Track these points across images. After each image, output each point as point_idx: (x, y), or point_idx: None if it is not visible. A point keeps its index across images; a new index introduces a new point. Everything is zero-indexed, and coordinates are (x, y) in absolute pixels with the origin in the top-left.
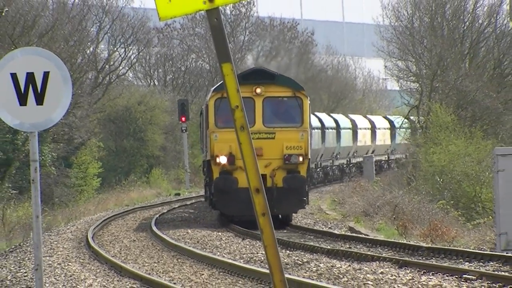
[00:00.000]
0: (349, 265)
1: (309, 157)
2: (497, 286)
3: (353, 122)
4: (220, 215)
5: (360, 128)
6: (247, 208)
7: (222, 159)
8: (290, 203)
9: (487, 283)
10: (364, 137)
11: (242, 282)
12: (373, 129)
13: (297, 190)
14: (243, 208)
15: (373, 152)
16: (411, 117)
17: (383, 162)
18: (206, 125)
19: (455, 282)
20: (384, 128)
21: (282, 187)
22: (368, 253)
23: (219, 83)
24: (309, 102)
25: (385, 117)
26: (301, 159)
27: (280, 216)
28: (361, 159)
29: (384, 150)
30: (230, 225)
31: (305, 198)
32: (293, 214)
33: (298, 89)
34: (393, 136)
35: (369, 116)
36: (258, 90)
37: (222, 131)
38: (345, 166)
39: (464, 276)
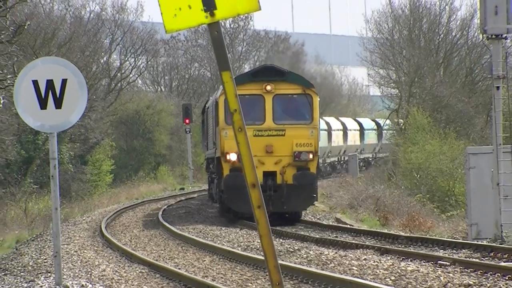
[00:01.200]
0: (336, 252)
1: (319, 154)
2: (469, 271)
3: (328, 124)
4: (227, 212)
5: (334, 130)
6: None
7: (233, 156)
8: (300, 200)
9: (460, 268)
10: (337, 138)
11: (240, 267)
12: (344, 130)
13: (307, 187)
14: None
15: (344, 152)
16: (377, 119)
17: None
18: (215, 122)
19: (431, 268)
20: (354, 130)
21: (292, 184)
22: (353, 241)
23: None
24: (318, 99)
25: (355, 119)
26: (311, 156)
27: (287, 215)
28: (334, 158)
29: (354, 150)
30: (229, 217)
31: (315, 195)
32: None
33: (308, 86)
34: (362, 137)
35: (341, 118)
36: (268, 87)
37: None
38: (320, 165)
39: (439, 262)
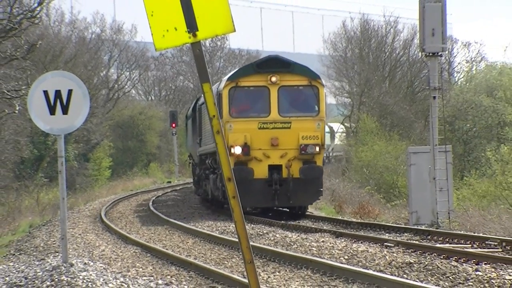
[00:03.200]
0: (298, 235)
1: (325, 147)
2: (410, 251)
3: None
4: (221, 208)
5: None
6: (263, 199)
7: (237, 150)
8: (307, 194)
9: (402, 249)
10: None
11: (218, 248)
12: None
13: (314, 181)
14: (259, 198)
15: None
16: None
17: None
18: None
19: (378, 248)
20: None
21: (299, 178)
22: (312, 226)
23: (232, 72)
24: (325, 91)
25: None
26: (317, 149)
27: (287, 209)
28: None
29: None
30: (208, 205)
31: (321, 189)
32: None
33: (314, 77)
34: None
35: None
36: (274, 79)
37: (237, 121)
38: None
39: (385, 244)
